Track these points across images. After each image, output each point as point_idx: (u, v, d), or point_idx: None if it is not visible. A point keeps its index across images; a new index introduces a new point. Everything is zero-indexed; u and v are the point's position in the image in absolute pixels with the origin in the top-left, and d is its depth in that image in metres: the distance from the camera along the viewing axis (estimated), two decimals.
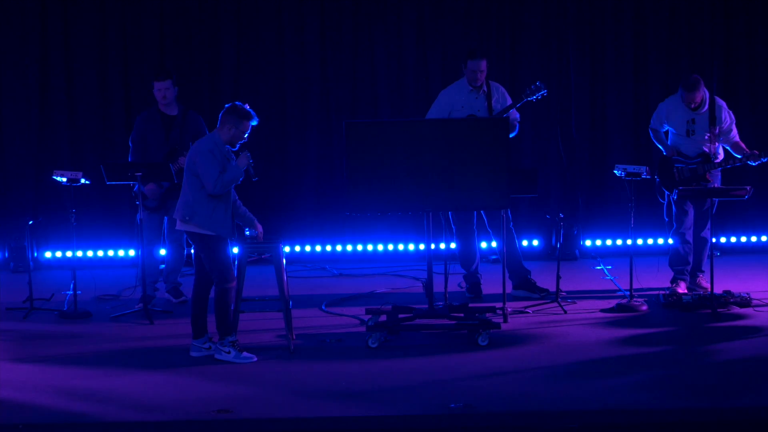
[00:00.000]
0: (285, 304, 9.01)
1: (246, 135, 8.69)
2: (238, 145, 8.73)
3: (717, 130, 10.47)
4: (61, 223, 11.94)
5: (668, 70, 12.91)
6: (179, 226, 8.74)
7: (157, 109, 10.74)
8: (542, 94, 10.41)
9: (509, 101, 10.58)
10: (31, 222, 11.00)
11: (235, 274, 8.77)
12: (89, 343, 9.31)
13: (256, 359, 8.53)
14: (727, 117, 10.58)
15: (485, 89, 10.51)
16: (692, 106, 10.49)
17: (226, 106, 8.71)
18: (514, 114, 10.49)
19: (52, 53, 12.67)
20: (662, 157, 10.70)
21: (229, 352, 8.53)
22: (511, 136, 10.42)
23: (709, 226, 10.48)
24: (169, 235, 10.77)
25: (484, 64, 10.43)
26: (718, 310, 9.87)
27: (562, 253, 11.01)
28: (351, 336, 9.37)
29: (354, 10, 12.87)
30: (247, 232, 8.90)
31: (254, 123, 8.69)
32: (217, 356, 8.60)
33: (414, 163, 9.02)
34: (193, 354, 8.76)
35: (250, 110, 8.69)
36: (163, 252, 11.00)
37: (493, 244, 11.75)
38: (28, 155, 12.69)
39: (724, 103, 10.63)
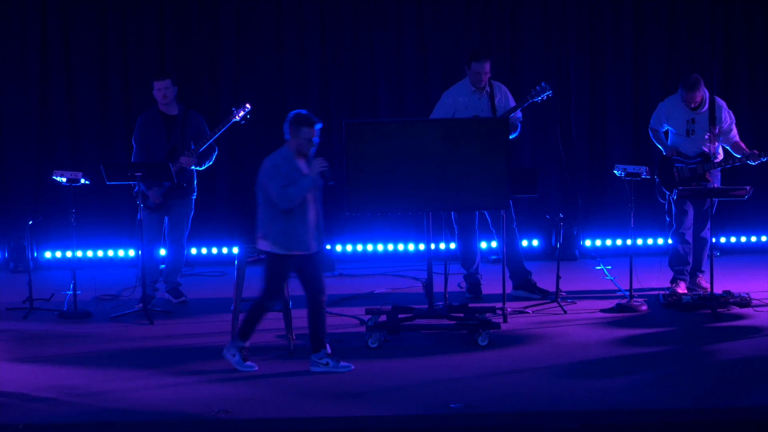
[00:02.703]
0: (285, 304, 9.00)
1: (314, 140, 8.33)
2: (312, 151, 8.41)
3: (717, 130, 10.47)
4: (61, 223, 11.92)
5: (668, 70, 12.90)
6: (258, 244, 8.51)
7: (158, 109, 10.73)
8: (547, 95, 10.41)
9: (512, 100, 10.58)
10: (31, 222, 10.99)
11: (236, 276, 8.78)
12: (89, 343, 9.31)
13: (256, 368, 8.41)
14: (727, 117, 10.58)
15: (488, 89, 10.51)
16: (692, 105, 10.49)
17: (289, 115, 8.42)
18: (517, 114, 10.48)
19: (52, 53, 12.66)
20: (662, 157, 10.70)
21: (234, 356, 8.42)
22: (513, 136, 10.43)
23: (708, 226, 10.48)
24: (170, 235, 10.77)
25: (488, 66, 10.43)
26: (718, 310, 9.87)
27: (562, 253, 11.00)
28: (351, 336, 9.37)
29: (354, 10, 12.86)
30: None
31: (318, 126, 8.32)
32: (224, 353, 8.47)
33: (414, 163, 9.02)
34: (313, 369, 8.43)
35: (309, 115, 8.34)
36: (163, 252, 11.00)
37: (494, 244, 11.76)
38: (28, 155, 12.68)
39: (724, 103, 10.63)
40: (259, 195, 8.47)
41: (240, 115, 10.59)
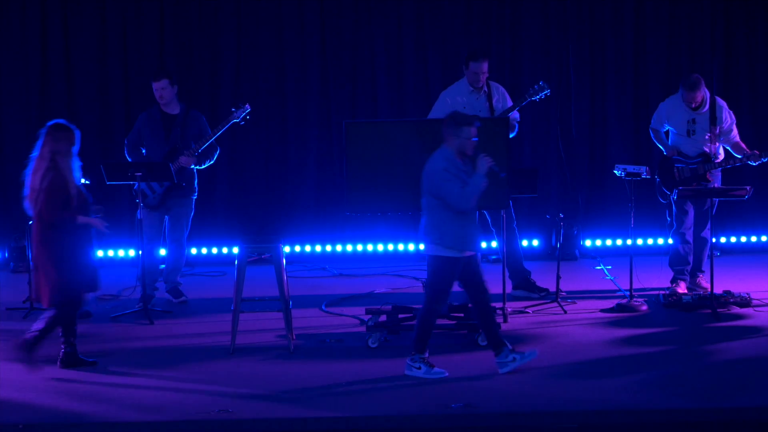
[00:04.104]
0: (285, 304, 9.00)
1: (474, 139, 8.19)
2: (472, 151, 8.26)
3: (717, 130, 10.47)
4: None
5: (668, 70, 12.91)
6: (427, 251, 8.32)
7: (158, 109, 10.73)
8: (545, 94, 10.41)
9: (509, 101, 10.58)
10: (31, 222, 10.97)
11: (236, 276, 8.76)
12: (89, 343, 9.30)
13: (447, 374, 8.20)
14: (728, 117, 10.58)
15: (485, 89, 10.51)
16: (693, 105, 10.48)
17: (446, 117, 8.32)
18: (514, 114, 10.48)
19: (52, 53, 12.66)
20: (662, 157, 10.70)
21: (420, 368, 8.20)
22: (510, 136, 10.42)
23: (709, 226, 10.47)
24: (170, 234, 10.77)
25: (486, 66, 10.42)
26: (718, 310, 9.86)
27: (562, 253, 11.00)
28: (351, 336, 9.37)
29: (354, 9, 12.87)
30: None
31: (479, 124, 8.24)
32: (407, 372, 8.22)
33: (414, 163, 9.00)
34: (502, 371, 8.22)
35: (466, 114, 8.29)
36: (163, 252, 10.99)
37: (493, 244, 11.76)
38: (28, 155, 12.65)
39: (724, 103, 10.63)
40: (425, 200, 8.28)
41: (240, 115, 10.58)
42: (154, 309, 10.27)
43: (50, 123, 8.71)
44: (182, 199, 10.66)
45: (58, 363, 8.53)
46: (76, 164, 8.64)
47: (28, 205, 8.66)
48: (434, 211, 8.24)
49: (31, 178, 8.60)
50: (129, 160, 10.65)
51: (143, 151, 10.70)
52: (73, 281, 8.48)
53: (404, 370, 8.23)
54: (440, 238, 8.21)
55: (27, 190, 8.63)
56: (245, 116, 10.61)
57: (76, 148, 8.62)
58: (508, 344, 8.28)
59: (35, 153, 8.66)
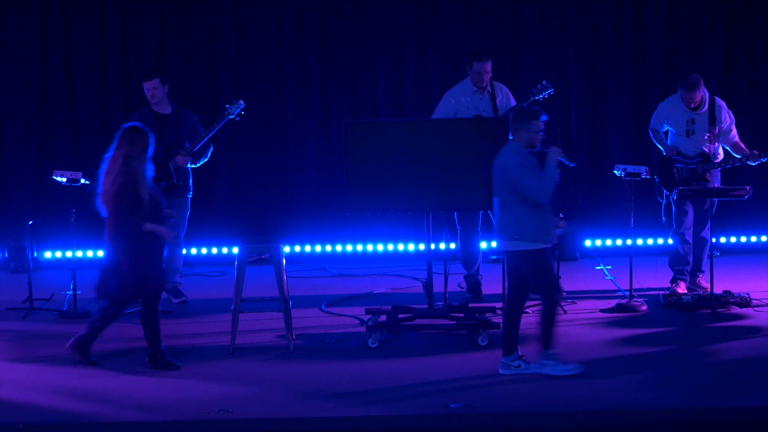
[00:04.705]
0: (285, 304, 9.01)
1: (541, 133, 8.25)
2: (539, 145, 8.32)
3: (717, 130, 10.47)
4: (61, 223, 11.92)
5: (668, 70, 12.89)
6: (504, 247, 8.35)
7: (150, 109, 10.72)
8: (549, 93, 10.43)
9: (513, 100, 10.58)
10: (31, 222, 10.99)
11: (236, 276, 8.76)
12: None
13: (577, 371, 8.19)
14: (727, 117, 10.58)
15: (489, 90, 10.51)
16: (692, 105, 10.48)
17: (509, 115, 8.32)
18: None
19: (51, 53, 12.66)
20: (662, 157, 10.70)
21: (555, 365, 8.20)
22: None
23: (708, 226, 10.47)
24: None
25: (489, 66, 10.43)
26: (718, 310, 9.87)
27: (562, 253, 11.00)
28: (351, 336, 9.37)
29: (354, 10, 12.86)
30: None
31: (545, 118, 8.27)
32: (540, 371, 8.19)
33: (414, 163, 9.02)
34: (503, 371, 8.27)
35: (535, 108, 8.32)
36: None
37: (494, 243, 11.76)
38: (28, 155, 12.68)
39: (723, 104, 10.63)
40: (499, 197, 8.28)
41: (234, 111, 10.58)
42: None
43: (126, 125, 8.64)
44: (178, 199, 10.65)
45: (73, 344, 8.58)
46: (150, 168, 8.55)
47: (100, 205, 8.60)
48: (510, 206, 8.23)
49: (104, 179, 8.53)
50: None
51: None
52: (134, 285, 8.48)
53: (539, 370, 8.18)
54: (520, 232, 8.21)
55: (100, 189, 8.56)
56: (240, 111, 10.60)
57: (150, 152, 8.54)
58: (519, 350, 8.28)
59: (109, 154, 8.55)
